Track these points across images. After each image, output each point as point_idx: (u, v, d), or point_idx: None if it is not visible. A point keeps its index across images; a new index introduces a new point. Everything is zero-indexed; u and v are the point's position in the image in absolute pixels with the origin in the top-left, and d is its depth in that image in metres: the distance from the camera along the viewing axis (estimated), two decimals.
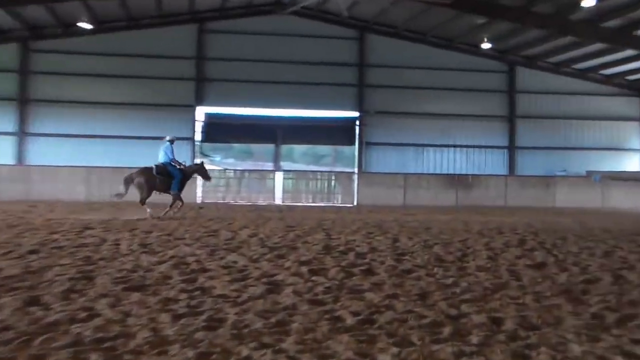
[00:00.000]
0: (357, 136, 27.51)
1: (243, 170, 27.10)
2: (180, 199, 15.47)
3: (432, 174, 27.19)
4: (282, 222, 14.69)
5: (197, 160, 19.46)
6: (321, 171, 28.26)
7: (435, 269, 7.65)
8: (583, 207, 25.56)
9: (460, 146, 28.29)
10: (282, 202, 25.56)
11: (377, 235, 11.77)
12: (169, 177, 15.14)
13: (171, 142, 15.54)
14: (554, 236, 12.00)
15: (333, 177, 26.86)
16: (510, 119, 28.49)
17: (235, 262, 8.01)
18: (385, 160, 27.69)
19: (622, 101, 29.30)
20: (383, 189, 26.18)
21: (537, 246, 10.23)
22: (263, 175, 26.74)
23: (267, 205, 23.65)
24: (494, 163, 28.55)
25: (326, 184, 26.60)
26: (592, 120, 28.87)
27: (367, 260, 8.31)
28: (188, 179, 15.79)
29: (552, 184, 27.07)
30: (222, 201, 25.16)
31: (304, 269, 7.45)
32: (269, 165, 28.55)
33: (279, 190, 26.14)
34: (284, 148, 28.72)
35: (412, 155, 27.84)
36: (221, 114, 26.49)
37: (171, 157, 15.32)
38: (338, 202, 26.11)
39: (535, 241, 10.99)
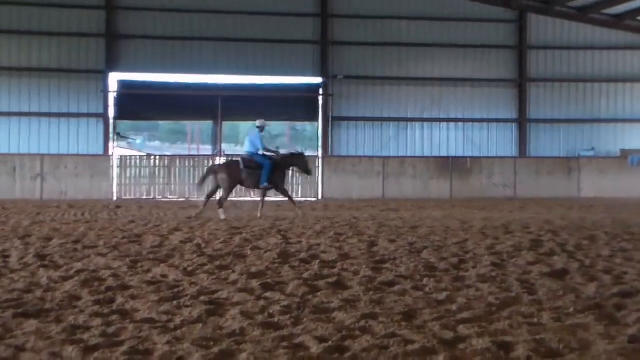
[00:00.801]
0: (320, 109, 27.58)
1: (173, 156, 26.91)
2: (289, 196, 16.65)
3: (420, 157, 27.50)
4: (225, 222, 14.69)
5: (296, 149, 19.56)
6: None
7: (425, 281, 7.73)
8: (617, 197, 26.14)
9: (456, 120, 28.62)
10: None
11: (348, 237, 11.82)
12: (259, 169, 16.06)
13: (260, 128, 16.53)
14: (578, 235, 12.24)
15: None
16: (520, 83, 28.91)
17: (164, 275, 7.98)
18: (359, 141, 27.88)
19: None
20: (356, 177, 26.41)
21: (557, 249, 10.41)
22: (199, 162, 26.58)
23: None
24: (499, 142, 28.98)
25: None
26: (630, 82, 29.45)
27: (336, 271, 8.36)
28: (284, 171, 16.73)
29: (575, 167, 27.64)
30: (145, 197, 24.97)
31: (255, 283, 7.46)
32: (207, 149, 28.42)
33: None
34: (227, 126, 28.60)
35: (394, 133, 28.08)
36: (141, 82, 26.20)
37: (261, 147, 16.22)
38: (298, 195, 26.13)
39: (555, 242, 11.19)
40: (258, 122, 16.71)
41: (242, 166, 16.08)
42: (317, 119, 27.76)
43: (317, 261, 9.05)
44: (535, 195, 26.39)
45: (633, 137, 29.27)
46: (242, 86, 26.93)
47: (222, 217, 15.53)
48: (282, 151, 17.28)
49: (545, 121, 28.98)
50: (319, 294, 6.98)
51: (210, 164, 24.77)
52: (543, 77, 28.98)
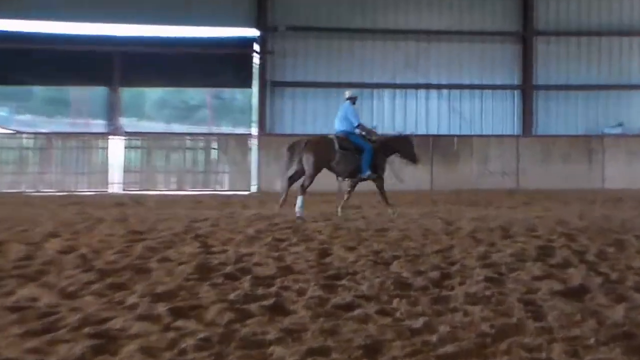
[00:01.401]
0: (255, 72, 27.51)
1: (50, 134, 26.57)
2: (381, 183, 17.26)
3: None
4: (122, 224, 14.56)
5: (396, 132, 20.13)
6: (193, 134, 28.09)
7: (395, 302, 7.72)
8: None
9: (439, 87, 28.87)
10: (124, 190, 25.29)
11: (292, 244, 11.80)
12: (356, 153, 16.71)
13: (352, 100, 17.32)
14: (601, 241, 12.35)
15: (214, 145, 26.78)
16: (524, 37, 29.24)
17: (33, 299, 7.83)
18: (307, 114, 27.93)
19: None
20: None
21: (573, 258, 10.50)
22: (88, 142, 26.28)
23: (95, 196, 23.30)
24: (496, 115, 29.31)
25: (202, 157, 26.51)
26: None
27: (274, 290, 8.30)
28: (386, 158, 17.31)
29: (598, 149, 28.03)
30: (12, 190, 24.66)
31: (162, 307, 7.37)
32: (99, 126, 28.12)
33: (117, 168, 25.85)
34: (127, 94, 28.32)
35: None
36: (5, 32, 25.84)
37: (356, 122, 16.94)
38: (224, 186, 26.08)
39: (570, 250, 11.28)
40: (348, 92, 17.54)
41: (336, 145, 16.61)
42: (250, 85, 27.70)
43: (249, 277, 8.99)
44: (545, 186, 26.69)
45: None
46: (147, 40, 26.73)
47: (299, 213, 16.14)
48: (377, 131, 17.91)
49: (557, 87, 29.39)
50: (249, 322, 6.93)
51: (92, 145, 24.58)
52: (554, 28, 29.38)
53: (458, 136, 27.74)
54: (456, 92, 28.97)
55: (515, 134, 28.63)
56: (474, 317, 7.12)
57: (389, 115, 28.47)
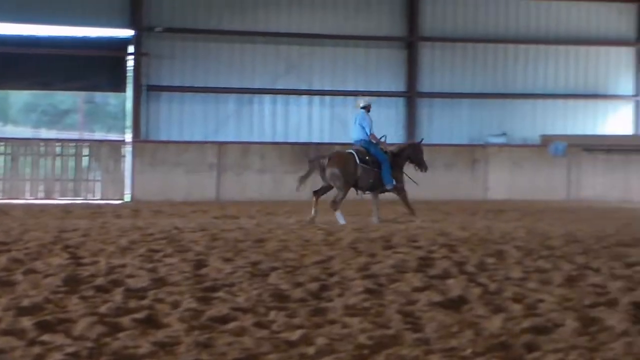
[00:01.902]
0: (130, 75, 27.23)
1: None
2: (405, 197, 18.42)
3: (271, 143, 27.72)
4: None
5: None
6: (62, 140, 27.66)
7: (272, 315, 7.78)
8: (534, 199, 27.21)
9: (322, 93, 29.04)
10: None
11: (167, 255, 11.77)
12: (375, 165, 17.78)
13: (366, 108, 18.28)
14: (482, 251, 12.65)
15: (86, 151, 26.43)
16: (411, 42, 29.64)
17: None
18: (184, 120, 27.78)
19: (605, 12, 31.55)
20: (180, 171, 26.27)
21: (453, 269, 10.74)
22: None
23: None
24: (380, 122, 29.49)
25: (72, 164, 26.13)
26: (553, 44, 30.85)
27: (147, 302, 8.29)
28: (402, 167, 18.42)
29: (481, 158, 28.58)
30: None
31: (27, 321, 7.28)
32: None
33: None
34: None
35: (234, 110, 28.15)
36: None
37: (369, 132, 17.98)
38: (96, 195, 25.76)
39: (450, 261, 11.52)
40: (362, 101, 18.51)
41: (357, 160, 17.68)
42: (124, 89, 27.40)
43: (121, 289, 8.95)
44: (429, 196, 26.99)
45: (557, 118, 30.64)
46: (12, 39, 26.19)
47: (342, 221, 17.47)
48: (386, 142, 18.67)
49: (442, 95, 29.88)
50: (121, 335, 6.91)
51: None
52: (440, 35, 29.89)
53: (340, 144, 27.92)
54: (339, 98, 29.19)
55: (399, 142, 28.98)
56: (353, 329, 7.22)
57: (269, 122, 28.52)
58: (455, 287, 9.40)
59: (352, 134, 18.56)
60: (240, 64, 28.41)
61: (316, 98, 29.07)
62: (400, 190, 18.31)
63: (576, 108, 31.35)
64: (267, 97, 28.59)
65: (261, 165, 26.82)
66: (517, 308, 8.28)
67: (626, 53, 31.95)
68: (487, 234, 15.68)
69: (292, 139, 28.27)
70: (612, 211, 23.15)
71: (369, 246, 13.17)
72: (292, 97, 28.84)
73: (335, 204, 17.68)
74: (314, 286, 9.29)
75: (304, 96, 28.92)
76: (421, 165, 18.84)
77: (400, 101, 29.81)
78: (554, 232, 16.04)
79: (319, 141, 28.06)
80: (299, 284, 9.44)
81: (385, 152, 18.09)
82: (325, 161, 17.85)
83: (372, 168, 17.79)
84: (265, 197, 25.99)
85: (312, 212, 17.81)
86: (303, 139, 28.25)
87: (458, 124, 29.94)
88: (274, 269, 10.58)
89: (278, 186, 26.60)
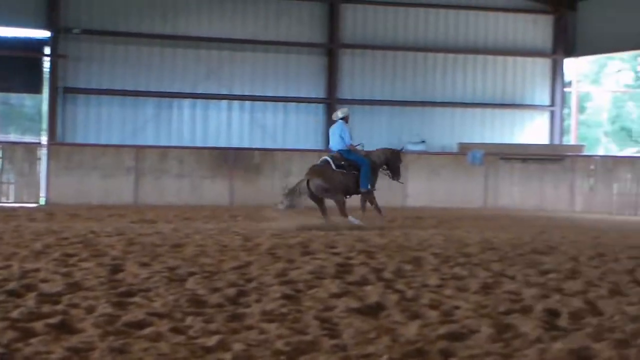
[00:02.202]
0: (46, 76, 26.91)
1: None
2: (374, 200, 19.03)
3: (190, 147, 27.62)
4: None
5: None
6: None
7: (189, 320, 7.75)
8: (453, 206, 27.51)
9: (242, 98, 29.04)
10: None
11: (82, 259, 11.66)
12: (352, 168, 18.42)
13: (345, 119, 18.99)
14: (399, 258, 12.76)
15: None
16: (331, 49, 29.77)
17: None
18: (102, 123, 27.58)
19: (522, 23, 32.07)
20: (96, 175, 26.05)
21: (370, 276, 10.80)
22: None
23: None
24: (301, 129, 29.73)
25: None
26: (472, 54, 31.28)
27: (61, 307, 8.19)
28: (377, 172, 19.02)
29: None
30: None
31: None
32: None
33: None
34: None
35: (153, 114, 27.99)
36: None
37: (348, 142, 18.68)
38: (9, 198, 25.41)
39: (368, 267, 11.59)
40: (340, 113, 19.19)
41: (333, 166, 18.26)
42: (41, 90, 27.07)
43: (34, 294, 8.84)
44: (347, 203, 27.15)
45: (475, 127, 31.03)
46: None
47: (357, 222, 18.44)
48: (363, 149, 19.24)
49: (362, 102, 30.05)
50: (33, 340, 6.83)
51: None
52: (361, 41, 30.07)
53: (260, 150, 27.95)
54: (259, 104, 29.22)
55: (320, 148, 29.06)
56: (270, 335, 7.22)
57: (189, 126, 28.41)
58: (372, 293, 9.43)
59: (331, 145, 19.08)
60: (160, 67, 28.27)
61: (236, 103, 29.03)
62: (369, 194, 18.83)
63: (494, 117, 31.84)
64: (186, 102, 28.49)
65: (179, 170, 26.70)
66: (433, 315, 8.35)
67: (542, 64, 32.56)
68: (405, 240, 15.82)
69: (211, 143, 28.19)
70: (527, 219, 23.50)
71: (288, 252, 13.21)
72: (212, 102, 28.78)
73: (343, 213, 18.43)
74: (231, 292, 9.28)
75: (224, 101, 28.88)
76: (397, 173, 19.39)
77: (321, 107, 29.92)
78: (470, 240, 16.25)
79: (238, 146, 28.02)
80: (216, 290, 9.42)
81: (367, 157, 18.67)
82: (304, 183, 18.39)
83: (350, 172, 18.36)
84: (183, 202, 25.88)
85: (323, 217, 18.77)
86: (222, 143, 28.19)
87: (377, 131, 30.11)
88: (192, 274, 10.55)
89: (196, 191, 26.53)
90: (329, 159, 18.58)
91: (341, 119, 18.97)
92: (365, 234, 16.76)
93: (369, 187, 18.65)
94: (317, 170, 18.53)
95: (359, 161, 18.50)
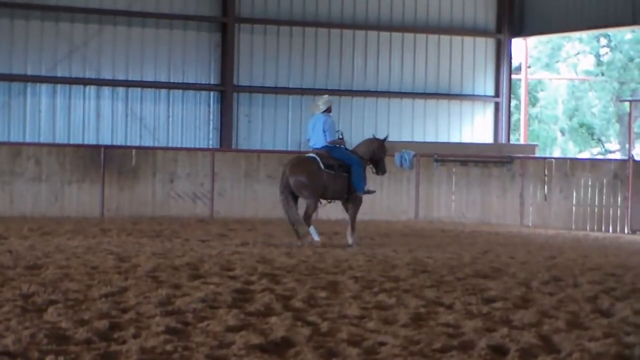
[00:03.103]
0: None
1: None
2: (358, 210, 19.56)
3: (49, 144, 27.35)
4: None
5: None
6: None
7: None
8: (376, 219, 27.58)
9: (114, 83, 28.91)
10: None
11: None
12: (341, 169, 18.65)
13: (328, 110, 19.12)
14: (312, 283, 12.91)
15: None
16: (224, 24, 29.77)
17: None
18: None
19: None
20: None
21: (276, 305, 10.92)
22: None
23: None
24: (188, 122, 29.65)
25: None
26: (398, 31, 31.50)
27: None
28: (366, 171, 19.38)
29: None
30: None
31: None
32: None
33: None
34: None
35: (1, 102, 27.76)
36: None
37: (330, 137, 18.85)
38: None
39: (272, 294, 11.68)
40: (323, 103, 19.26)
41: (322, 165, 18.46)
42: None
43: None
44: (248, 213, 27.15)
45: (404, 122, 31.26)
46: None
47: (316, 237, 18.49)
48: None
49: (263, 90, 30.09)
50: None
51: None
52: (262, 15, 30.11)
53: (137, 148, 27.79)
54: (135, 90, 29.07)
55: (211, 147, 29.02)
56: None
57: (47, 117, 28.14)
58: (278, 326, 9.46)
59: (311, 142, 19.13)
60: (9, 44, 27.95)
61: (106, 89, 28.85)
62: (359, 199, 19.23)
63: (427, 109, 32.11)
64: (43, 87, 28.22)
65: (36, 173, 26.34)
66: (353, 352, 8.38)
67: (485, 45, 32.96)
68: (318, 261, 15.88)
69: (76, 140, 27.95)
70: (468, 235, 23.73)
71: (173, 275, 13.19)
72: (76, 88, 28.55)
73: (308, 219, 18.41)
74: (102, 324, 9.22)
75: (91, 86, 28.67)
76: (382, 167, 19.84)
77: (212, 96, 29.86)
78: (399, 260, 16.38)
79: (110, 143, 27.82)
80: (83, 322, 9.36)
81: (355, 154, 18.99)
82: (287, 171, 18.57)
83: (338, 173, 18.57)
84: (41, 213, 25.59)
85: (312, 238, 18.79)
86: (90, 140, 27.97)
87: (282, 125, 30.19)
88: (52, 302, 10.47)
89: (58, 199, 26.24)
90: (315, 156, 18.77)
91: (324, 111, 19.09)
92: (269, 254, 16.78)
93: (366, 189, 19.06)
94: (302, 165, 18.86)
95: (348, 160, 18.79)
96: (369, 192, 19.37)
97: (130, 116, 28.75)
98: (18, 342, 8.31)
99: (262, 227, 24.18)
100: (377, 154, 19.63)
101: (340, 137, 19.33)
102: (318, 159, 18.66)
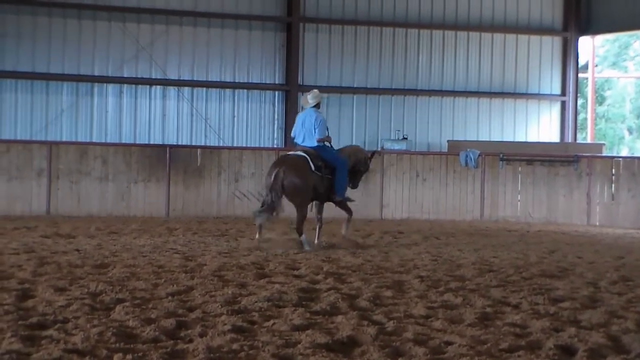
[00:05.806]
0: None
1: None
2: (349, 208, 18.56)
3: (115, 144, 27.48)
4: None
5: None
6: None
7: (116, 358, 7.72)
8: (441, 219, 27.55)
9: (180, 83, 29.03)
10: None
11: None
12: (328, 171, 17.76)
13: (317, 106, 18.31)
14: (377, 282, 12.86)
15: None
16: (289, 23, 29.80)
17: None
18: (5, 113, 27.64)
19: None
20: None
21: (342, 304, 10.89)
22: None
23: None
24: (253, 121, 29.66)
25: None
26: (464, 30, 31.42)
27: None
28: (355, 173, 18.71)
29: (376, 169, 28.69)
30: None
31: None
32: None
33: None
34: None
35: (69, 102, 27.97)
36: None
37: (320, 135, 17.95)
38: None
39: (338, 293, 11.65)
40: (312, 98, 18.29)
41: (312, 167, 17.51)
42: None
43: None
44: (312, 212, 27.09)
45: (469, 121, 31.10)
46: None
47: (308, 247, 17.42)
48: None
49: (328, 89, 30.07)
50: None
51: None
52: (326, 15, 30.08)
53: (203, 147, 27.87)
54: (201, 90, 29.15)
55: (276, 146, 29.05)
56: None
57: (113, 118, 28.31)
58: (344, 326, 9.46)
59: (299, 139, 18.26)
60: (77, 44, 28.16)
61: (172, 89, 28.97)
62: (344, 200, 18.46)
63: (492, 109, 31.95)
64: (110, 87, 28.40)
65: (102, 172, 26.49)
66: (419, 352, 8.37)
67: (551, 44, 32.69)
68: (383, 260, 15.87)
69: (142, 139, 28.10)
70: (534, 235, 23.56)
71: (238, 274, 13.21)
72: (143, 88, 28.70)
73: (300, 229, 17.65)
74: (169, 323, 9.27)
75: (157, 86, 28.80)
76: (357, 181, 19.19)
77: (278, 95, 29.90)
78: (464, 260, 16.31)
79: (175, 143, 27.93)
80: (150, 321, 9.40)
81: (343, 156, 18.39)
82: (280, 172, 17.31)
83: (324, 175, 17.81)
84: (107, 212, 25.75)
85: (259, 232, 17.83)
86: (156, 140, 28.11)
87: (347, 126, 30.14)
88: (120, 301, 10.53)
89: (124, 198, 26.38)
90: (306, 156, 17.72)
91: (314, 106, 18.39)
92: (334, 253, 16.77)
93: (345, 195, 18.32)
94: (295, 165, 17.60)
95: (335, 162, 18.01)
96: (348, 199, 18.41)
97: (195, 116, 28.85)
98: (86, 341, 8.38)
99: (326, 226, 24.13)
100: (358, 165, 18.84)
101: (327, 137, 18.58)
102: (308, 159, 17.71)
